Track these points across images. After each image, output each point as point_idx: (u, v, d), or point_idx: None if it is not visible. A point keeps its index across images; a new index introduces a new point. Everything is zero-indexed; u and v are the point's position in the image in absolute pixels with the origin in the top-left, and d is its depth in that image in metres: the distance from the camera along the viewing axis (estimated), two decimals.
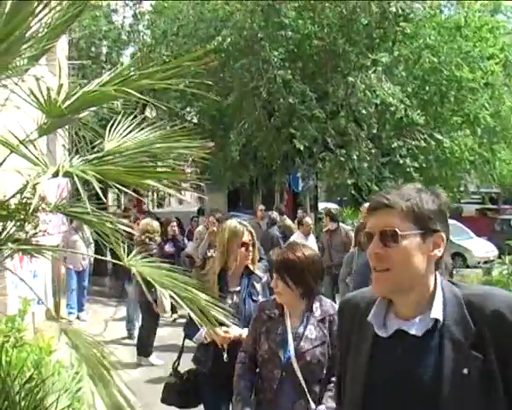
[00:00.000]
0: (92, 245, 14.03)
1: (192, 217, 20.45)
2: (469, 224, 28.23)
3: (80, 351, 2.47)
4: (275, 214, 15.55)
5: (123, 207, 24.40)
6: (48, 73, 3.60)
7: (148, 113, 22.20)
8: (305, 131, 18.63)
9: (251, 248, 5.52)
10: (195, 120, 25.23)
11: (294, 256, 4.29)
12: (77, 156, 2.78)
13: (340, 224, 13.95)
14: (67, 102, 2.71)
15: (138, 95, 2.70)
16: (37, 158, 2.78)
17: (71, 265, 13.94)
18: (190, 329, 5.30)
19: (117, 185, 2.69)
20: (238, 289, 5.45)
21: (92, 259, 17.10)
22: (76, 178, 2.46)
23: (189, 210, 45.04)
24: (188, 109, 25.48)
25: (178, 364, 5.73)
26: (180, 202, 63.26)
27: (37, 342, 6.24)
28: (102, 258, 12.17)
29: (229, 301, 5.29)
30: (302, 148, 18.56)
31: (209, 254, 10.34)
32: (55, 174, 2.51)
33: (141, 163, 2.84)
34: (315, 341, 4.26)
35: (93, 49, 22.68)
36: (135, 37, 24.40)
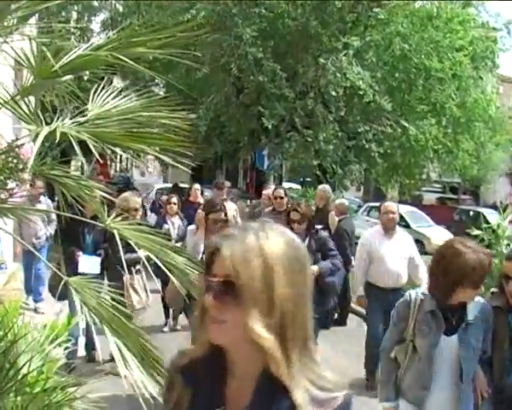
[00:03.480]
0: (55, 223, 11.41)
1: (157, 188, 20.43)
2: (429, 212, 28.66)
3: (91, 303, 2.54)
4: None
5: (85, 175, 24.22)
6: (34, 34, 3.59)
7: (115, 82, 22.03)
8: (273, 110, 18.71)
9: None
10: (161, 93, 25.11)
11: None
12: (67, 118, 2.80)
13: None
14: (59, 64, 2.72)
15: (131, 62, 2.72)
16: (30, 117, 2.79)
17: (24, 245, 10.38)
18: None
19: (112, 148, 2.73)
20: None
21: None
22: (72, 140, 2.48)
23: (150, 182, 44.95)
24: (156, 81, 25.37)
25: None
26: (142, 173, 62.99)
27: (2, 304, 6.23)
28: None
29: None
30: (270, 126, 18.63)
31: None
32: (50, 134, 2.53)
33: (129, 129, 2.86)
34: None
35: (63, 13, 22.39)
36: (106, 4, 24.17)
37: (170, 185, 22.94)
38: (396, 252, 8.26)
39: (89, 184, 3.33)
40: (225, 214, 7.59)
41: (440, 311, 4.27)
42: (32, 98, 2.94)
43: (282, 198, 11.14)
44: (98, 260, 8.31)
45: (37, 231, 11.22)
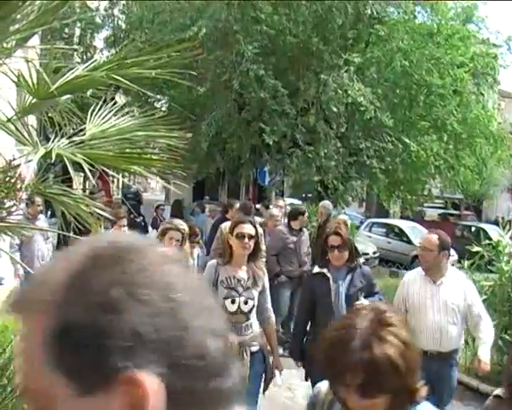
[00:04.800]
0: (51, 239, 11.05)
1: (158, 205, 20.40)
2: (431, 228, 28.53)
3: None
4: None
5: (88, 192, 24.17)
6: (27, 54, 3.65)
7: (117, 98, 22.12)
8: (274, 127, 18.77)
9: None
10: (164, 109, 25.21)
11: None
12: (64, 138, 2.84)
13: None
14: (57, 85, 2.77)
15: (127, 82, 2.77)
16: (25, 137, 2.83)
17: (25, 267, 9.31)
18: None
19: (105, 169, 2.76)
20: None
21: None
22: (66, 161, 2.52)
23: (153, 198, 44.97)
24: (158, 97, 25.45)
25: None
26: (145, 189, 63.03)
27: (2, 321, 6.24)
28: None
29: None
30: (271, 143, 18.68)
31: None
32: (46, 155, 2.57)
33: (124, 149, 2.90)
34: None
35: (66, 30, 22.51)
36: (109, 21, 24.29)
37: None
38: (442, 302, 6.12)
39: (87, 201, 3.36)
40: (255, 229, 5.83)
41: None
42: (30, 118, 3.00)
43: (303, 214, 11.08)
44: None
45: (43, 252, 10.52)
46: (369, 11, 19.63)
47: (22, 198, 3.31)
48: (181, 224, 7.27)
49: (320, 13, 18.89)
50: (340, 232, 6.11)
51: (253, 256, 5.81)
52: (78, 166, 2.85)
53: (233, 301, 5.62)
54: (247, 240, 5.63)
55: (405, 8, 21.71)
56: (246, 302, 5.66)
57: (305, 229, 11.46)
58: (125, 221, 8.16)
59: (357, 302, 5.72)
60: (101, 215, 3.49)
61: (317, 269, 6.30)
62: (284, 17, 19.16)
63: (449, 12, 23.45)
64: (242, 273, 5.73)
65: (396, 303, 6.32)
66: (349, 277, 6.16)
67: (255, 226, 5.84)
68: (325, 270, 6.16)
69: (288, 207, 13.33)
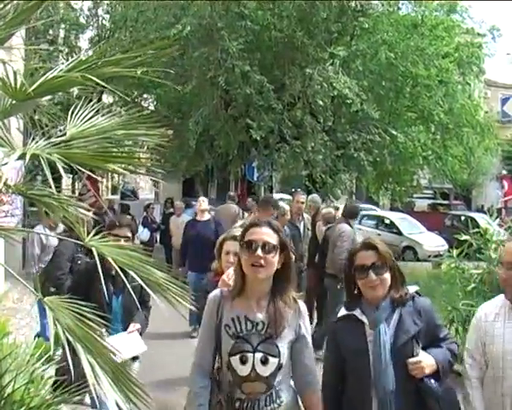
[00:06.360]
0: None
1: (148, 204, 20.45)
2: (421, 218, 28.92)
3: (64, 321, 2.58)
4: None
5: (77, 193, 24.18)
6: (11, 56, 3.64)
7: (104, 98, 22.13)
8: (261, 122, 18.77)
9: None
10: (152, 107, 25.24)
11: None
12: (42, 139, 2.84)
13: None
14: (34, 86, 2.76)
15: (102, 83, 2.77)
16: (3, 139, 2.83)
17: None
18: None
19: (81, 169, 2.76)
20: None
21: None
22: (42, 161, 2.53)
23: (143, 197, 45.00)
24: (145, 96, 25.47)
25: None
26: (134, 189, 63.00)
27: None
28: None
29: None
30: (258, 138, 18.68)
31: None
32: (22, 156, 2.57)
33: (104, 148, 2.90)
34: None
35: (50, 31, 22.47)
36: (93, 21, 24.28)
37: None
38: None
39: (72, 203, 3.36)
40: (279, 237, 3.56)
41: None
42: (16, 121, 2.99)
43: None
44: (136, 336, 5.70)
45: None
46: (353, 4, 19.65)
47: (3, 200, 3.30)
48: (239, 231, 4.82)
49: (304, 7, 18.89)
50: (373, 244, 3.82)
51: (280, 285, 3.58)
52: (63, 169, 2.84)
53: (243, 360, 3.45)
54: (260, 252, 3.43)
55: (389, 1, 21.74)
56: (265, 361, 3.45)
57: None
58: (126, 232, 5.78)
59: (410, 360, 3.65)
60: (91, 217, 3.49)
61: (343, 311, 3.91)
62: (268, 12, 19.18)
63: (432, 3, 23.50)
64: (260, 313, 3.53)
65: (475, 357, 4.07)
66: (396, 316, 3.74)
67: (278, 232, 3.59)
68: (357, 311, 3.81)
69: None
